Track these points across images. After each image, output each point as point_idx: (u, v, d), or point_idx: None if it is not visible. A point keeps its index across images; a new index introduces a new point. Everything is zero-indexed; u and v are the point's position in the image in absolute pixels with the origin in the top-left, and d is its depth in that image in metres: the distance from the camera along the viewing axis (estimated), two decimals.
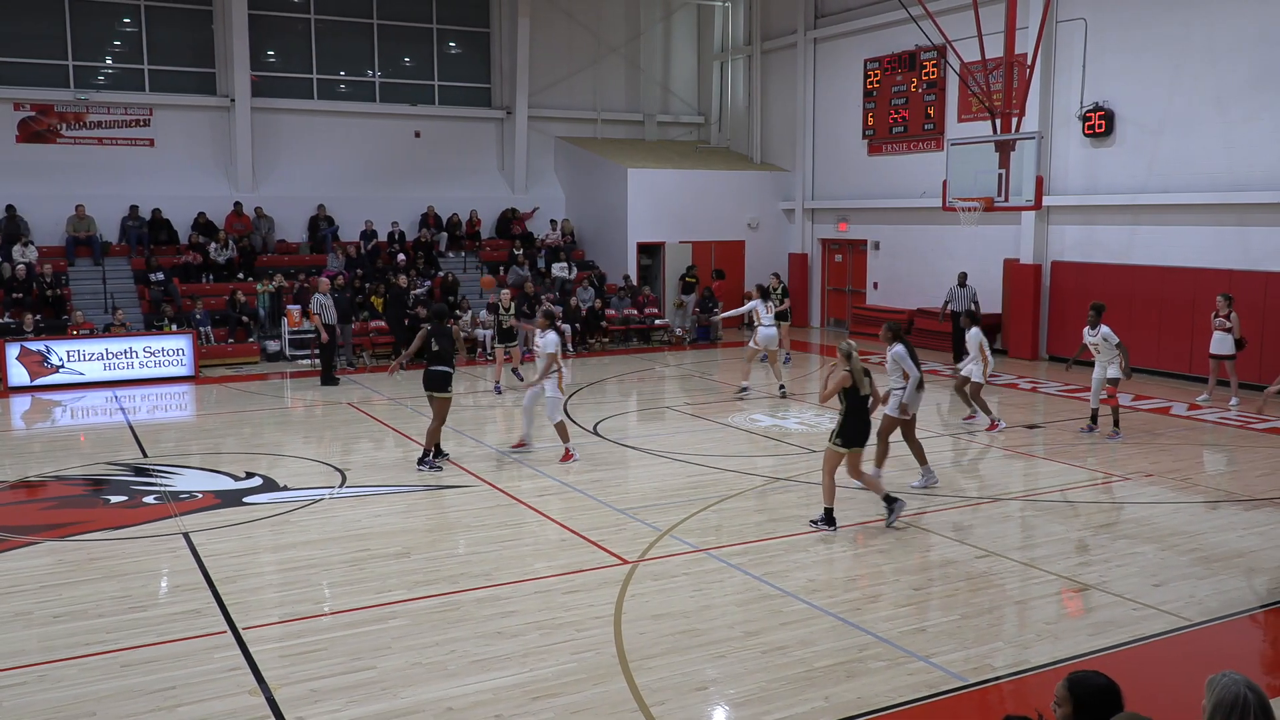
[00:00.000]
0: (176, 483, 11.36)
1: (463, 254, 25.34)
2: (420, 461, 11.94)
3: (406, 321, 20.33)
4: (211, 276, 22.23)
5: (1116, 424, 13.35)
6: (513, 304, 17.46)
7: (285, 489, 11.07)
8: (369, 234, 24.12)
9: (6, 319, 18.87)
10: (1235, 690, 3.38)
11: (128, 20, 23.43)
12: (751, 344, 16.74)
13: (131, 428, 14.58)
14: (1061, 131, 19.89)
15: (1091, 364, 13.66)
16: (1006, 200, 16.46)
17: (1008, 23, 17.08)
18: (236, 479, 11.50)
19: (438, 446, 12.21)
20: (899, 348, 10.55)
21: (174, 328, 19.61)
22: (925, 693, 6.22)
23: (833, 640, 6.97)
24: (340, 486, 11.18)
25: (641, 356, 21.75)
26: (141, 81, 23.59)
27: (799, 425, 14.26)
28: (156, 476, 11.67)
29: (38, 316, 18.88)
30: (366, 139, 25.66)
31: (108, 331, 18.99)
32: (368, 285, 21.96)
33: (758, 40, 27.73)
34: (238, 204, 23.63)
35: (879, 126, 24.41)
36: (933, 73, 22.85)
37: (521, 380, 12.08)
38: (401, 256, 23.39)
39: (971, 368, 13.67)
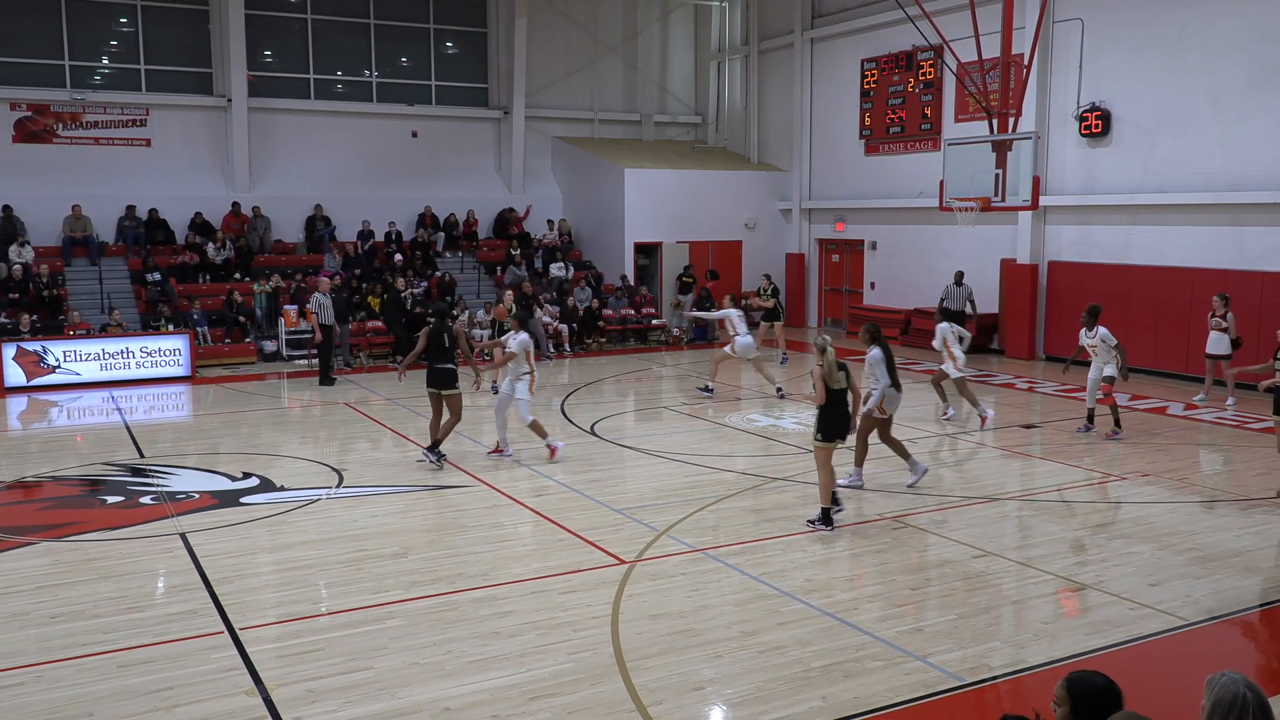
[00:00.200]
0: (173, 483, 11.34)
1: (460, 254, 25.32)
2: (430, 449, 11.99)
3: (405, 320, 20.34)
4: (208, 277, 22.20)
5: (1117, 422, 13.36)
6: (514, 304, 17.41)
7: (282, 489, 11.06)
8: (366, 234, 24.10)
9: (3, 319, 18.84)
10: (1234, 689, 3.38)
11: (124, 20, 23.40)
12: (728, 349, 16.60)
13: (128, 428, 14.56)
14: (1058, 132, 19.91)
15: (1088, 364, 13.68)
16: (1003, 200, 16.47)
17: (1004, 23, 17.09)
18: (233, 479, 11.49)
19: (435, 443, 12.22)
20: (875, 351, 10.61)
21: (170, 328, 19.59)
22: (922, 692, 6.22)
23: (830, 640, 6.97)
24: (337, 487, 11.17)
25: (639, 356, 21.75)
26: (138, 81, 23.57)
27: (796, 425, 14.26)
28: (153, 477, 11.65)
29: (34, 317, 18.85)
30: (363, 139, 25.63)
31: (104, 332, 18.96)
32: (365, 285, 21.94)
33: (755, 40, 27.73)
34: (235, 204, 23.61)
35: (876, 126, 24.42)
36: (930, 73, 22.87)
37: (497, 391, 12.33)
38: (399, 257, 23.37)
39: (948, 364, 14.06)
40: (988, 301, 21.63)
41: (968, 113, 21.53)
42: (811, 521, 9.54)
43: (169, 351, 18.70)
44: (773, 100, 27.56)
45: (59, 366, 17.90)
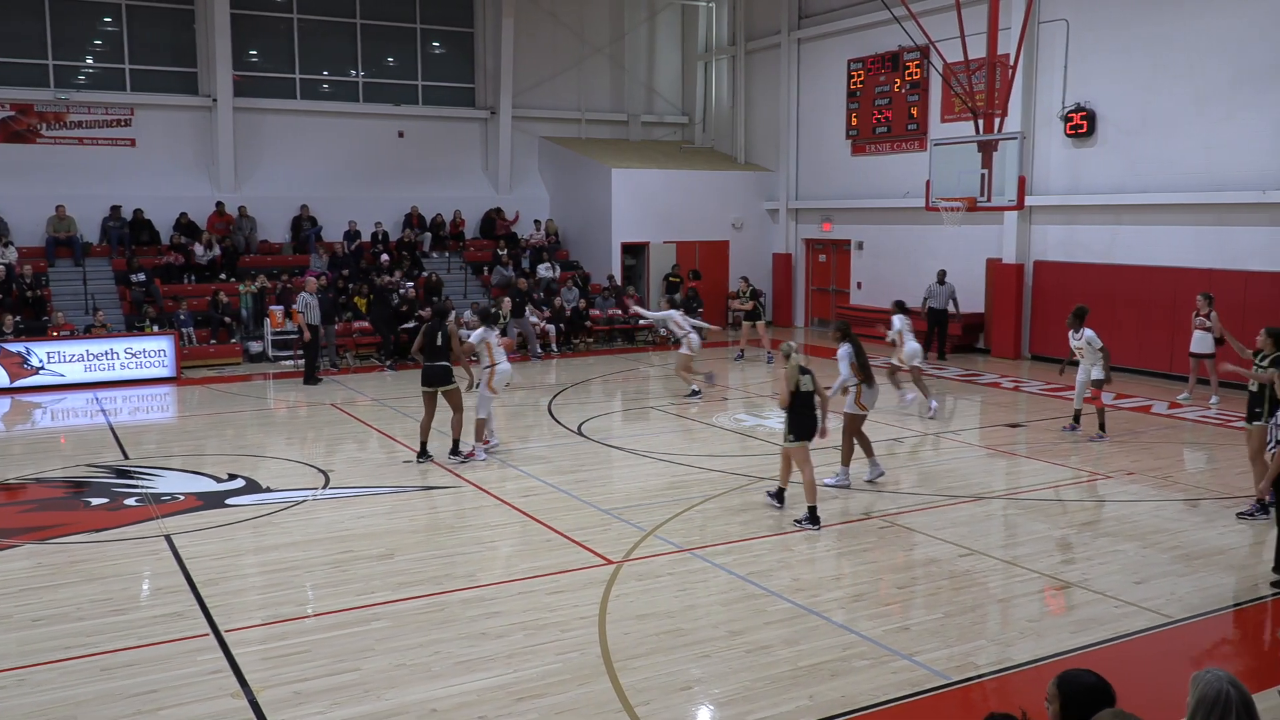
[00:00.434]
0: (158, 485, 11.29)
1: (446, 254, 25.28)
2: (451, 453, 12.09)
3: (392, 315, 20.31)
4: (193, 277, 22.10)
5: (1102, 426, 13.37)
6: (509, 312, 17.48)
7: (268, 490, 11.02)
8: (352, 234, 24.03)
9: None
10: (1218, 687, 3.40)
11: (109, 19, 23.28)
12: (685, 349, 16.69)
13: (113, 429, 14.48)
14: (1043, 132, 19.99)
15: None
16: (989, 200, 16.53)
17: (990, 23, 17.17)
18: (219, 480, 11.44)
19: (424, 446, 12.22)
20: (844, 347, 10.78)
21: (155, 329, 19.50)
22: (909, 691, 6.23)
23: (816, 639, 6.98)
24: (324, 488, 11.13)
25: (626, 356, 21.74)
26: (123, 81, 23.45)
27: (783, 425, 14.23)
28: (138, 478, 11.59)
29: (17, 318, 18.72)
30: (350, 139, 25.55)
31: (88, 333, 18.86)
32: (351, 286, 21.88)
33: (742, 40, 27.76)
34: (219, 204, 23.51)
35: (862, 127, 24.48)
36: (916, 73, 22.93)
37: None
38: (385, 257, 23.31)
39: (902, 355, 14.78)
40: (974, 301, 21.71)
41: (954, 113, 21.60)
42: (799, 521, 9.57)
43: (154, 352, 18.61)
44: (760, 100, 27.60)
45: (43, 368, 17.79)
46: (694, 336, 16.50)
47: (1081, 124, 19.10)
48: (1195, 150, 17.54)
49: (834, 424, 10.49)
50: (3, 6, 22.25)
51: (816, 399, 9.67)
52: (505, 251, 24.86)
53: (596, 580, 8.11)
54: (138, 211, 22.80)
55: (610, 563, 8.54)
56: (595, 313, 23.25)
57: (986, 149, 16.51)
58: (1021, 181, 16.28)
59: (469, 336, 12.34)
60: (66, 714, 5.95)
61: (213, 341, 20.39)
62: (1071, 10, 19.24)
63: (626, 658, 6.67)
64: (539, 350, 21.32)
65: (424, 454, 12.23)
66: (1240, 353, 10.03)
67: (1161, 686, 6.28)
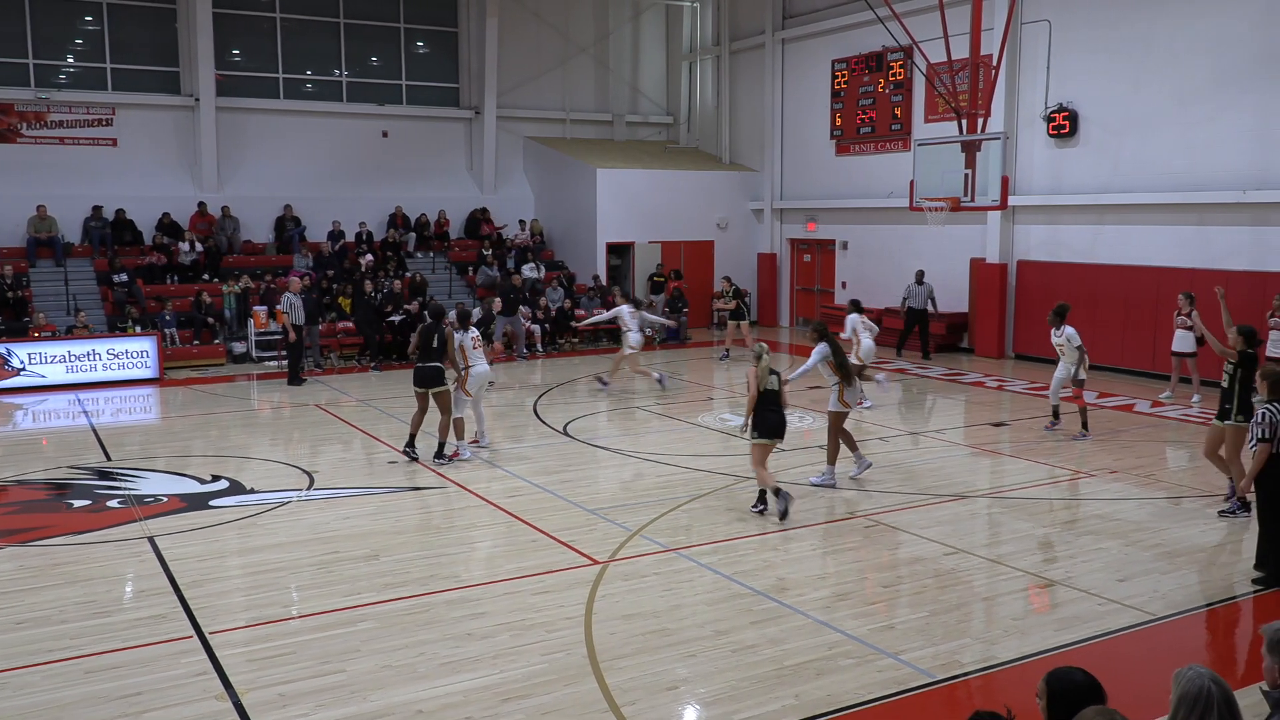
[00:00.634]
0: (141, 486, 11.22)
1: (431, 254, 25.22)
2: (436, 456, 12.05)
3: (375, 315, 20.25)
4: (176, 278, 21.99)
5: (1084, 425, 13.43)
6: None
7: (252, 492, 10.97)
8: (336, 234, 23.95)
9: None
10: (1200, 684, 3.43)
11: (90, 18, 23.12)
12: (626, 349, 16.86)
13: (95, 431, 14.39)
14: (1026, 132, 20.09)
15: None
16: (973, 200, 16.60)
17: (973, 24, 17.24)
18: (202, 482, 11.39)
19: (411, 441, 12.23)
20: (821, 346, 10.85)
21: (138, 329, 19.38)
22: (894, 689, 6.26)
23: (802, 638, 7.00)
24: (308, 489, 11.09)
25: (611, 356, 21.68)
26: (104, 80, 23.30)
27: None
28: (120, 480, 11.52)
29: None
30: (334, 139, 25.47)
31: (70, 334, 18.74)
32: (335, 286, 21.80)
33: (726, 41, 27.80)
34: (202, 204, 23.39)
35: (846, 127, 24.55)
36: (899, 73, 23.01)
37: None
38: (369, 257, 23.24)
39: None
40: (957, 301, 21.80)
41: (937, 113, 21.68)
42: (754, 507, 9.96)
43: (136, 353, 18.49)
44: (744, 100, 27.64)
45: (24, 369, 17.67)
46: (634, 335, 16.72)
47: (1064, 124, 19.20)
48: (1176, 150, 17.66)
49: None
50: None
51: (782, 399, 10.01)
52: (490, 252, 24.82)
53: (582, 580, 8.11)
54: (120, 211, 22.67)
55: (596, 563, 8.54)
56: (580, 313, 23.22)
57: (970, 149, 16.58)
58: (1004, 181, 16.36)
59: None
60: (51, 717, 5.91)
61: (196, 342, 20.29)
62: (1054, 11, 19.34)
63: (612, 658, 6.67)
64: (524, 351, 21.30)
65: (411, 445, 12.29)
66: (1220, 353, 10.10)
67: (1145, 684, 6.32)
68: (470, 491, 10.92)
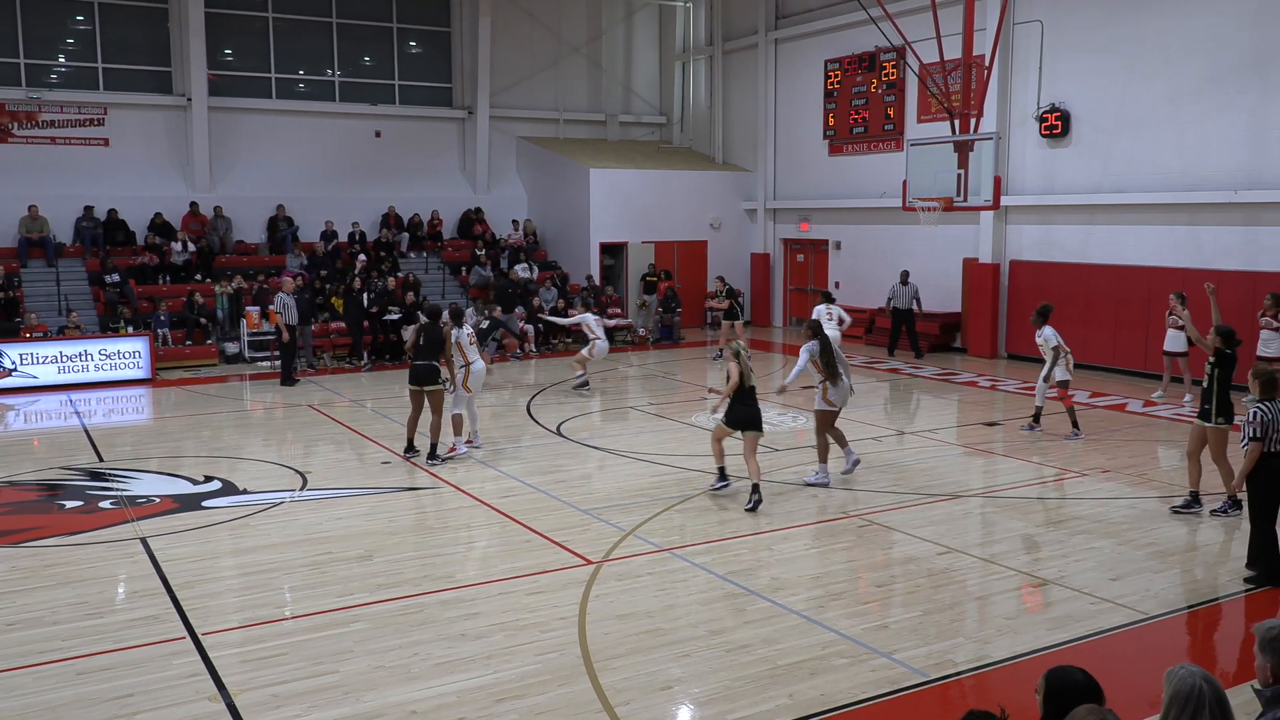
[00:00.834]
0: (133, 487, 11.20)
1: (424, 254, 25.19)
2: (429, 457, 12.04)
3: (361, 315, 20.21)
4: (168, 278, 21.93)
5: (1075, 424, 13.45)
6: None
7: (245, 492, 10.95)
8: (329, 234, 23.91)
9: None
10: (1191, 682, 3.44)
11: (81, 18, 23.06)
12: (585, 352, 16.94)
13: (87, 432, 14.35)
14: (1019, 132, 20.13)
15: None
16: (965, 200, 16.61)
17: (966, 24, 17.24)
18: (195, 483, 11.36)
19: (410, 442, 12.24)
20: (812, 343, 11.05)
21: (130, 330, 19.33)
22: (888, 689, 6.27)
23: (796, 638, 7.00)
24: (301, 489, 11.08)
25: (605, 357, 21.68)
26: (96, 80, 23.23)
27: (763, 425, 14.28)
28: (113, 481, 11.49)
29: None
30: (326, 139, 25.42)
31: (62, 334, 18.68)
32: (329, 286, 21.76)
33: (719, 41, 27.81)
34: (194, 204, 23.33)
35: (840, 127, 24.57)
36: (892, 74, 23.03)
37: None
38: (362, 257, 23.20)
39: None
40: (950, 301, 21.83)
41: (930, 113, 21.70)
42: (715, 485, 10.65)
43: (128, 354, 18.44)
44: (737, 100, 27.65)
45: (15, 369, 17.61)
46: (601, 344, 16.83)
47: (1056, 124, 19.25)
48: (1168, 151, 17.71)
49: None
50: None
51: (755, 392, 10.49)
52: (483, 252, 24.80)
53: (576, 580, 8.11)
54: (112, 212, 22.61)
55: (590, 563, 8.54)
56: (574, 312, 23.17)
57: (962, 149, 16.59)
58: (997, 181, 16.38)
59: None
60: (43, 718, 5.89)
61: (188, 343, 20.24)
62: (1046, 11, 19.38)
63: (606, 658, 6.67)
64: (518, 350, 21.29)
65: (411, 449, 12.30)
66: (1207, 349, 10.13)
67: (1137, 682, 6.33)
68: (464, 492, 10.91)
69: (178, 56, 23.73)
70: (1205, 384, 9.81)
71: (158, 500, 10.64)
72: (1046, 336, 13.32)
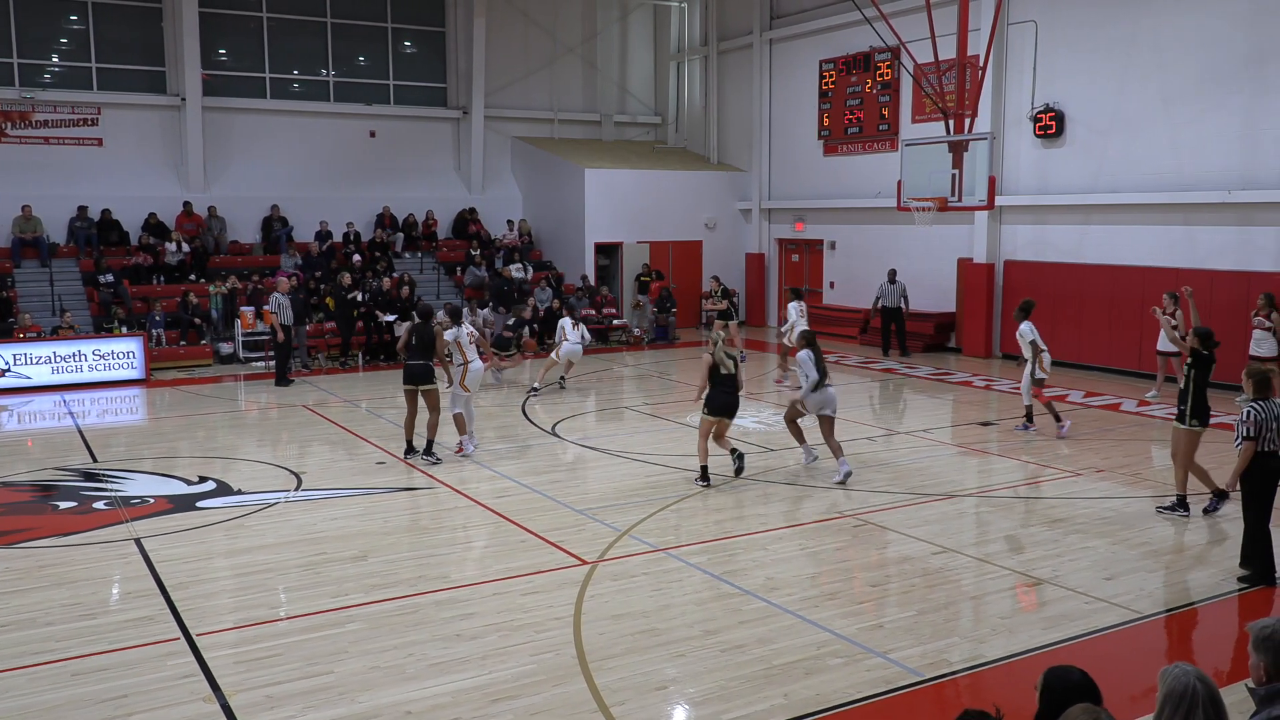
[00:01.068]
0: (128, 488, 11.17)
1: (419, 254, 25.17)
2: (425, 453, 12.08)
3: (351, 315, 20.17)
4: (162, 278, 21.89)
5: (1057, 418, 13.41)
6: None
7: (240, 493, 10.94)
8: (324, 234, 23.88)
9: None
10: (1185, 681, 3.44)
11: (75, 18, 23.01)
12: (554, 355, 17.04)
13: (81, 432, 14.32)
14: (1013, 132, 20.16)
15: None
16: (960, 200, 16.65)
17: (960, 25, 17.28)
18: (189, 483, 11.34)
19: (409, 443, 12.24)
20: (803, 353, 11.43)
21: (124, 330, 19.29)
22: (883, 688, 6.27)
23: (791, 638, 7.01)
24: (296, 490, 11.06)
25: (600, 357, 21.70)
26: (89, 80, 23.19)
27: (756, 424, 14.32)
28: (107, 482, 11.47)
29: None
30: (321, 139, 25.39)
31: (55, 334, 18.64)
32: (323, 287, 21.73)
33: (714, 41, 27.82)
34: (188, 204, 23.29)
35: (834, 127, 24.59)
36: (887, 74, 23.06)
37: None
38: (357, 257, 23.17)
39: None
40: (944, 300, 21.86)
41: (924, 113, 21.73)
42: (696, 481, 10.91)
43: (122, 354, 18.41)
44: (732, 101, 27.66)
45: (9, 370, 17.57)
46: (573, 347, 16.89)
47: (1050, 124, 19.28)
48: (1163, 151, 17.75)
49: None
50: None
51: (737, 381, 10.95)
52: (478, 252, 24.78)
53: (571, 581, 8.11)
54: (105, 212, 22.57)
55: (585, 563, 8.54)
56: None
57: (957, 149, 16.62)
58: (991, 182, 16.41)
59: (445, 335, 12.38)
60: None
61: (182, 343, 20.21)
62: (1040, 11, 19.42)
63: (601, 658, 6.67)
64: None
65: (411, 450, 12.31)
66: (1184, 350, 10.16)
67: (1131, 681, 6.35)
68: (459, 492, 10.90)
69: (172, 56, 23.69)
70: (1181, 384, 9.82)
71: (152, 501, 10.62)
72: (1022, 332, 13.36)
